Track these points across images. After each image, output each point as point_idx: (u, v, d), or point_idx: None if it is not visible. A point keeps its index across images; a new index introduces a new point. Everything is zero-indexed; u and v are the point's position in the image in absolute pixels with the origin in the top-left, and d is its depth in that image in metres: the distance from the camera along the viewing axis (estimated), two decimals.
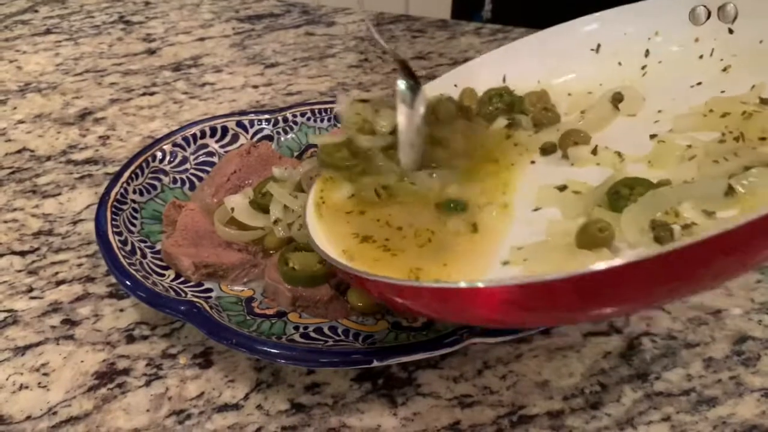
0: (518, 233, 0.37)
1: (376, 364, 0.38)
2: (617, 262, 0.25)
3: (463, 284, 0.28)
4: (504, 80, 0.49)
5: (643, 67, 0.46)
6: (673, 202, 0.33)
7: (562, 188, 0.39)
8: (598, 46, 0.48)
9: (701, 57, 0.45)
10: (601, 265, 0.25)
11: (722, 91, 0.41)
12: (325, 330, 0.42)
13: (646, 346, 0.43)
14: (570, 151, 0.42)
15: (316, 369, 0.41)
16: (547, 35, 0.49)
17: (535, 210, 0.39)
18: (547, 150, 0.43)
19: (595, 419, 0.39)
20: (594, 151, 0.41)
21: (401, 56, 0.46)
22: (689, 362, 0.42)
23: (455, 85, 0.50)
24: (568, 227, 0.35)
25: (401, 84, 0.43)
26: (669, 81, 0.45)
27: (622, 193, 0.35)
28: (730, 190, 0.33)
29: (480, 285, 0.27)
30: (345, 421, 0.39)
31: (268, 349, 0.38)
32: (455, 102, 0.47)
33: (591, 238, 0.33)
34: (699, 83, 0.43)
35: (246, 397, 0.40)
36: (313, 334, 0.41)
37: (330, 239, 0.39)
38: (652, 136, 0.40)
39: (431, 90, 0.47)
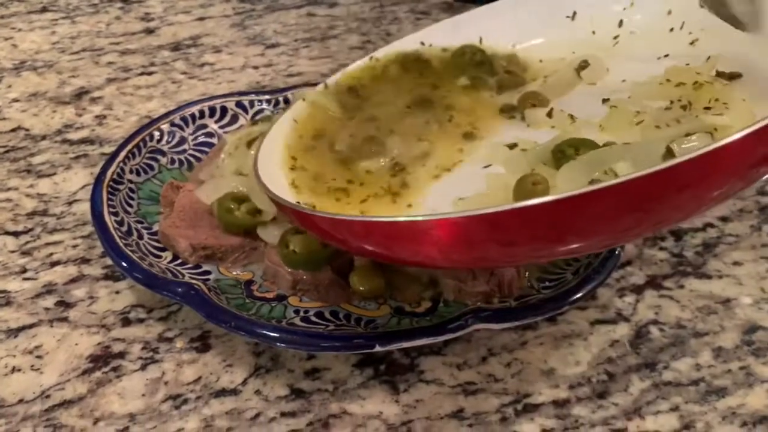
0: (464, 187, 0.38)
1: (378, 348, 0.37)
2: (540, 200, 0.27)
3: (402, 218, 0.32)
4: (480, 41, 0.49)
5: (616, 37, 0.47)
6: (612, 162, 0.34)
7: (512, 146, 0.40)
8: (574, 13, 0.48)
9: (672, 30, 0.45)
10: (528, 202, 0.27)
11: (687, 64, 0.42)
12: (326, 314, 0.41)
13: (654, 335, 0.42)
14: (527, 112, 0.43)
15: (316, 354, 0.41)
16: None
17: (485, 167, 0.40)
18: (504, 110, 0.44)
19: (602, 408, 0.38)
20: (549, 114, 0.42)
21: None
22: (698, 351, 0.41)
23: (422, 43, 0.50)
24: (508, 181, 0.36)
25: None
26: (638, 51, 0.46)
27: (566, 153, 0.36)
28: (668, 153, 0.34)
29: (419, 219, 0.31)
30: (346, 407, 0.38)
31: (268, 333, 0.37)
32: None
33: (526, 190, 0.34)
34: (666, 55, 0.44)
35: (244, 382, 0.39)
36: (313, 318, 0.40)
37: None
38: (605, 101, 0.41)
39: (403, 45, 0.49)
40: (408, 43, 0.49)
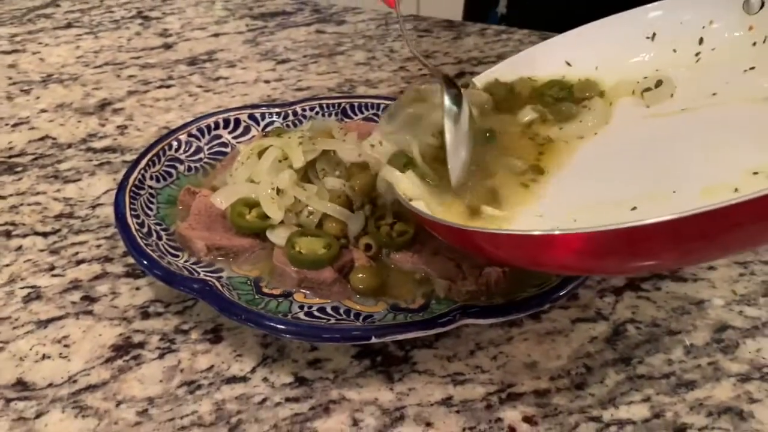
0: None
1: (374, 340, 0.40)
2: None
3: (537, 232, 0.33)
4: (568, 64, 0.52)
5: (697, 54, 0.48)
6: None
7: None
8: (654, 34, 0.50)
9: (754, 44, 0.47)
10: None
11: None
12: (328, 310, 0.44)
13: (630, 332, 0.46)
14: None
15: (318, 345, 0.44)
16: (609, 22, 0.51)
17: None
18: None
19: (579, 398, 0.41)
20: None
21: (442, 71, 0.47)
22: (671, 348, 0.45)
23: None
24: None
25: (447, 100, 0.45)
26: (722, 66, 0.47)
27: None
28: None
29: (556, 233, 0.32)
30: (345, 394, 0.41)
31: (275, 325, 0.41)
32: (491, 91, 0.51)
33: None
34: (752, 68, 0.46)
35: (253, 371, 0.43)
36: (316, 313, 0.44)
37: None
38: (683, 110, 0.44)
39: (490, 75, 0.51)
40: (503, 70, 0.53)
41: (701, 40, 0.48)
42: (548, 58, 0.52)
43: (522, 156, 0.46)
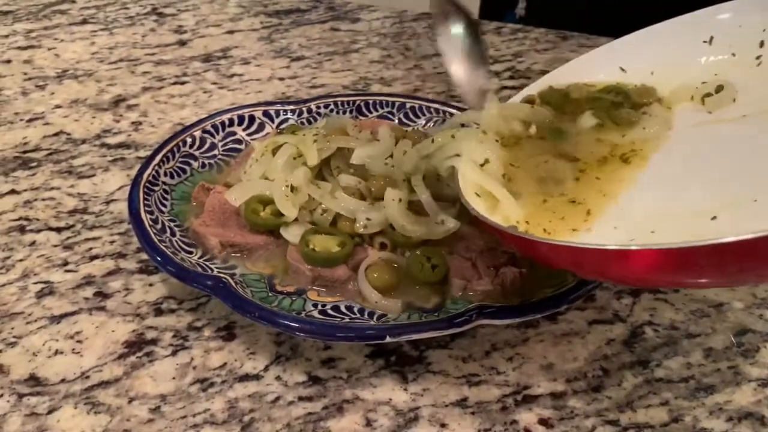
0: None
1: (389, 340, 0.40)
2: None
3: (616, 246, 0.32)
4: (623, 70, 0.51)
5: (758, 57, 0.47)
6: None
7: None
8: (711, 38, 0.49)
9: None
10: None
11: None
12: (342, 308, 0.44)
13: (648, 335, 0.45)
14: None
15: (332, 344, 0.44)
16: (663, 27, 0.50)
17: None
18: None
19: (596, 401, 0.41)
20: None
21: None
22: (690, 351, 0.44)
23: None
24: None
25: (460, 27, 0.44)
26: None
27: None
28: None
29: (634, 248, 0.31)
30: (358, 393, 0.41)
31: (289, 323, 0.40)
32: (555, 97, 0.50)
33: None
34: None
35: (266, 369, 0.43)
36: (330, 312, 0.43)
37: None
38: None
39: (543, 83, 0.50)
40: (557, 78, 0.52)
41: (762, 44, 0.47)
42: (601, 65, 0.51)
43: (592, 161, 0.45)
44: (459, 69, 0.42)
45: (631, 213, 0.40)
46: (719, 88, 0.46)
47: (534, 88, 0.51)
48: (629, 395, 0.41)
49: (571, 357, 0.43)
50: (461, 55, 0.42)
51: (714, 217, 0.36)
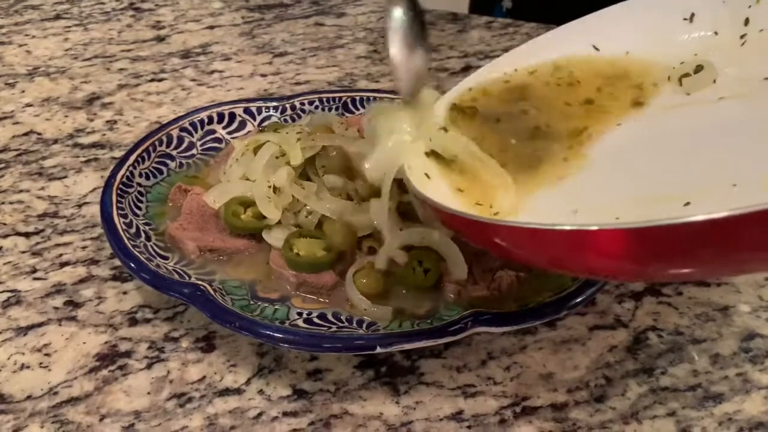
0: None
1: (379, 350, 0.37)
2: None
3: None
4: (595, 48, 0.47)
5: (743, 36, 0.44)
6: None
7: None
8: (692, 15, 0.46)
9: None
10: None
11: None
12: (329, 316, 0.41)
13: (652, 341, 0.43)
14: None
15: (318, 355, 0.41)
16: (639, 2, 0.47)
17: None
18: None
19: (600, 412, 0.38)
20: None
21: None
22: (696, 358, 0.42)
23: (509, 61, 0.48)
24: None
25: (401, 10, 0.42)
26: None
27: None
28: None
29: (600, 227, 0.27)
30: (347, 408, 0.39)
31: (272, 333, 0.38)
32: None
33: None
34: None
35: (248, 382, 0.40)
36: (316, 320, 0.41)
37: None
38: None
39: (515, 58, 0.46)
40: (521, 55, 0.48)
41: (747, 21, 0.44)
42: (571, 43, 0.47)
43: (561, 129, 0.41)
44: (396, 52, 0.40)
45: (591, 197, 0.37)
46: (698, 69, 0.43)
47: (495, 68, 0.47)
48: (634, 405, 0.39)
49: (572, 365, 0.41)
50: (399, 38, 0.40)
51: (687, 203, 0.33)
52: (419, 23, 0.42)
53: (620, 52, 0.47)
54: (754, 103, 0.40)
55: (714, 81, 0.43)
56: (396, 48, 0.41)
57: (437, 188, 0.38)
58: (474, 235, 0.35)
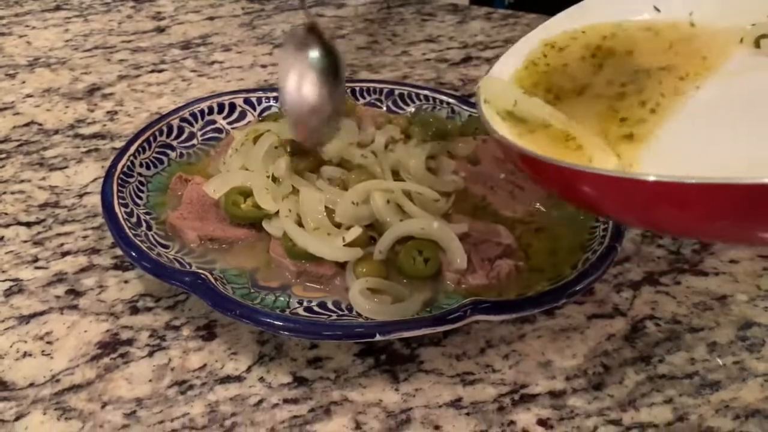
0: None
1: (378, 338, 0.38)
2: None
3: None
4: (657, 9, 0.44)
5: None
6: None
7: None
8: None
9: None
10: None
11: None
12: (329, 305, 0.42)
13: (650, 329, 0.43)
14: None
15: (319, 343, 0.42)
16: None
17: None
18: None
19: (597, 400, 0.39)
20: None
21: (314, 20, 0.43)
22: (693, 346, 0.42)
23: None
24: None
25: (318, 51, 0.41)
26: None
27: None
28: None
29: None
30: (347, 395, 0.39)
31: (272, 321, 0.38)
32: None
33: None
34: None
35: (248, 370, 0.40)
36: (316, 309, 0.41)
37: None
38: None
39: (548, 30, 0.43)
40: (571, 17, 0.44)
41: None
42: (632, 2, 0.44)
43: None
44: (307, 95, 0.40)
45: (667, 162, 0.35)
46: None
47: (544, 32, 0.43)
48: (631, 393, 0.39)
49: (570, 353, 0.41)
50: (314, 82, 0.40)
51: None
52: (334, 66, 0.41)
53: (684, 13, 0.43)
54: None
55: None
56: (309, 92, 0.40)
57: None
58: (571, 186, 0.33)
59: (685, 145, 0.35)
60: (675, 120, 0.37)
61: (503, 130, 0.36)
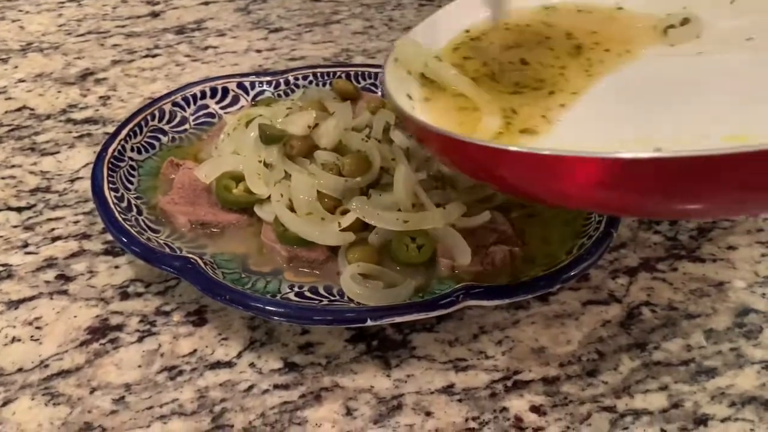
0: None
1: (370, 323, 0.37)
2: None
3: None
4: None
5: None
6: None
7: None
8: None
9: None
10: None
11: None
12: (320, 290, 0.41)
13: (645, 316, 0.43)
14: None
15: (310, 328, 0.41)
16: None
17: None
18: None
19: (592, 386, 0.38)
20: None
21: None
22: (689, 333, 0.42)
23: None
24: None
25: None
26: (762, 11, 0.42)
27: None
28: None
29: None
30: (338, 381, 0.38)
31: (262, 306, 0.38)
32: None
33: None
34: None
35: (239, 355, 0.40)
36: (308, 294, 0.40)
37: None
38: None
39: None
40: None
41: None
42: None
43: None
44: None
45: (566, 137, 0.36)
46: (684, 21, 0.43)
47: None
48: (626, 380, 0.39)
49: (564, 340, 0.41)
50: None
51: (658, 149, 0.32)
52: None
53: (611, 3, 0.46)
54: (733, 61, 0.40)
55: (698, 36, 0.42)
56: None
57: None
58: (449, 153, 0.35)
59: (584, 123, 0.37)
60: (579, 101, 0.39)
61: (411, 89, 0.39)
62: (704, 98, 0.37)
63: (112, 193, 0.45)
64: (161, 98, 0.54)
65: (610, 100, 0.39)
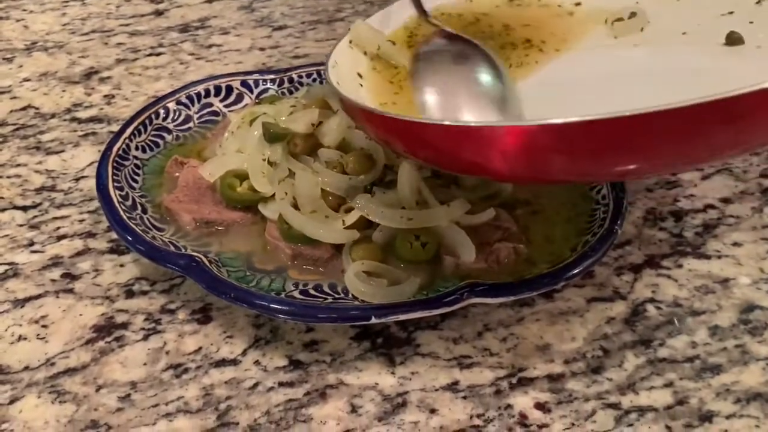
0: None
1: (374, 321, 0.37)
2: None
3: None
4: None
5: None
6: None
7: None
8: None
9: None
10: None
11: (750, 22, 0.42)
12: (325, 288, 0.41)
13: (650, 313, 0.42)
14: None
15: (315, 326, 0.41)
16: None
17: None
18: None
19: (596, 383, 0.38)
20: None
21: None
22: (694, 330, 0.41)
23: None
24: None
25: None
26: (701, 7, 0.44)
27: None
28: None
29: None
30: (343, 378, 0.39)
31: (267, 304, 0.38)
32: None
33: None
34: (731, 12, 0.43)
35: (244, 353, 0.40)
36: (312, 292, 0.41)
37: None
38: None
39: None
40: None
41: None
42: None
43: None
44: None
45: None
46: (632, 15, 0.45)
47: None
48: (631, 377, 0.39)
49: (569, 337, 0.41)
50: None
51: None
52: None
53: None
54: (666, 55, 0.42)
55: (642, 29, 0.44)
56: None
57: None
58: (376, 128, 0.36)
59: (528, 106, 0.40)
60: (526, 84, 0.42)
61: (362, 66, 0.43)
62: (637, 89, 0.39)
63: (117, 192, 0.45)
64: (165, 97, 0.54)
65: (548, 88, 0.42)
